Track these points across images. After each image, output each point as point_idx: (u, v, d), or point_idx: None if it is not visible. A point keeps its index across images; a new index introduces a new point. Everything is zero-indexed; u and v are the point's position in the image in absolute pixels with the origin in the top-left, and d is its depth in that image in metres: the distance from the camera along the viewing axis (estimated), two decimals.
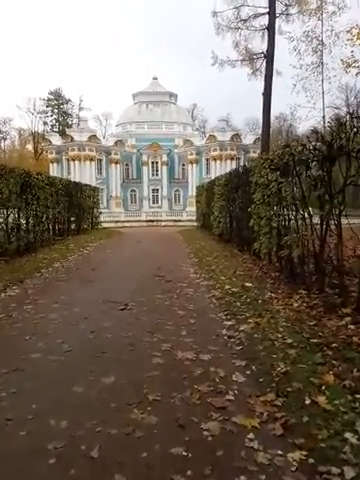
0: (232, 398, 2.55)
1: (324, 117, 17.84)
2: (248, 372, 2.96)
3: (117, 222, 31.60)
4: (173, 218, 34.82)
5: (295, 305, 4.95)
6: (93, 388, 2.61)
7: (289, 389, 2.63)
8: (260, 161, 7.34)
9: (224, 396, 2.57)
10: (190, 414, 2.32)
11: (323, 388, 2.63)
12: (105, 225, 24.52)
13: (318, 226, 5.27)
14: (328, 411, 2.32)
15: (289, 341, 3.56)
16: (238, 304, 4.96)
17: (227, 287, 5.88)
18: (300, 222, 5.75)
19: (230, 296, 5.37)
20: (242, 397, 2.57)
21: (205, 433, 2.13)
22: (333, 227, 4.86)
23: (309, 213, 5.54)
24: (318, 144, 5.10)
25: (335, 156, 4.81)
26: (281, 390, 2.63)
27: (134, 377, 2.81)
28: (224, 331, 3.96)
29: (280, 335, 3.76)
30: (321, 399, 2.48)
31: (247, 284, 6.12)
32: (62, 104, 66.11)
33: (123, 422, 2.20)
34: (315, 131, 5.11)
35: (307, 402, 2.46)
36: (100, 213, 22.42)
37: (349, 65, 14.73)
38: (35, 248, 10.77)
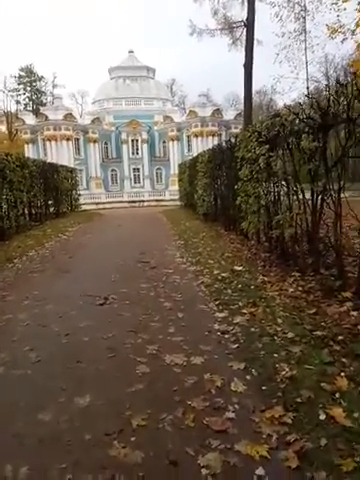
0: (233, 416, 2.13)
1: (308, 88, 17.20)
2: (248, 378, 2.55)
3: (98, 204, 30.67)
4: (156, 198, 34.08)
5: (290, 290, 4.58)
6: (64, 414, 2.13)
7: (298, 399, 2.23)
8: (246, 134, 6.79)
9: (223, 414, 2.15)
10: (184, 443, 1.88)
11: (337, 396, 2.24)
12: (86, 207, 23.67)
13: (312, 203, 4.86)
14: (349, 429, 1.93)
15: (290, 335, 3.17)
16: (229, 291, 4.54)
17: (216, 272, 5.45)
18: (292, 199, 5.32)
19: (220, 282, 4.95)
20: (244, 413, 2.15)
21: (203, 471, 1.70)
22: (330, 203, 4.45)
23: (302, 189, 5.11)
24: (312, 112, 4.61)
25: (332, 124, 4.35)
26: (289, 401, 2.23)
27: (114, 394, 2.35)
28: (216, 325, 3.54)
29: (279, 328, 3.36)
30: (338, 412, 2.09)
31: (237, 267, 5.71)
32: (34, 81, 62.69)
33: (100, 462, 1.75)
34: (310, 96, 4.59)
35: (322, 417, 2.07)
36: (79, 195, 21.52)
37: (335, 30, 14.04)
38: (9, 235, 10.08)
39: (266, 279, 5.05)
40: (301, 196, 5.11)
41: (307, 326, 3.34)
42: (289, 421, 2.06)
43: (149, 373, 2.62)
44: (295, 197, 5.21)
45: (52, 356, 2.90)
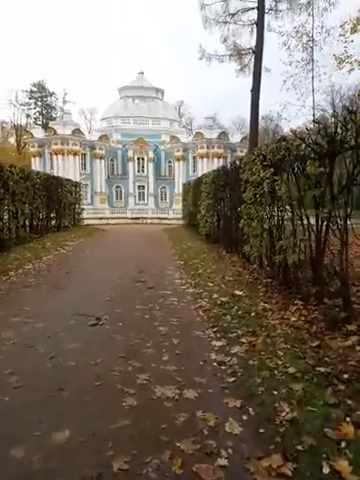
0: (225, 463, 1.91)
1: (314, 115, 17.38)
2: (245, 418, 2.33)
3: (101, 219, 30.66)
4: (159, 216, 34.10)
5: (292, 319, 4.37)
6: (38, 451, 1.92)
7: (299, 447, 2.02)
8: (251, 157, 6.73)
9: (215, 460, 1.93)
10: None
11: (343, 445, 2.03)
12: (89, 222, 23.63)
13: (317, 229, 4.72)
14: None
15: (292, 370, 2.95)
16: (228, 318, 4.34)
17: (215, 296, 5.26)
18: (296, 224, 5.18)
19: (219, 307, 4.75)
20: (239, 460, 1.94)
21: None
22: (336, 231, 4.30)
23: (306, 215, 4.99)
24: (318, 137, 4.53)
25: (339, 150, 4.25)
26: (289, 449, 2.01)
27: (97, 430, 2.13)
28: (213, 355, 3.33)
29: (280, 361, 3.15)
30: (343, 465, 1.87)
31: (237, 292, 5.52)
32: (45, 96, 64.16)
33: None
34: (317, 122, 4.52)
35: (325, 470, 1.85)
36: (82, 209, 21.49)
37: (342, 61, 14.29)
38: (8, 247, 9.93)
39: (267, 306, 4.86)
40: (306, 222, 4.98)
41: (310, 361, 3.13)
42: (288, 473, 1.84)
43: (136, 407, 2.41)
44: (299, 222, 5.07)
45: (34, 381, 2.69)
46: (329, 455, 1.94)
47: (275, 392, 2.64)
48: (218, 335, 3.80)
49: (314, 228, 4.82)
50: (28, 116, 63.51)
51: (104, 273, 7.14)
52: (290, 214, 5.40)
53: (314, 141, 4.57)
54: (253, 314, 4.51)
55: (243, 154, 31.75)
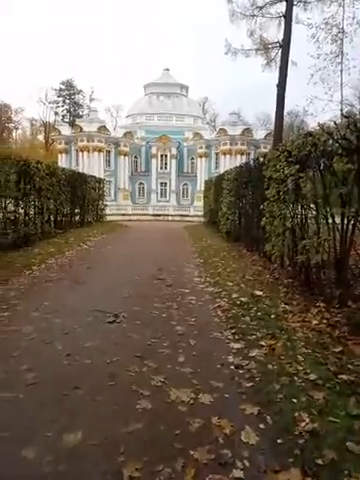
0: (241, 475, 1.83)
1: (342, 110, 16.73)
2: (262, 426, 2.24)
3: (124, 215, 30.94)
4: (180, 213, 34.05)
5: (314, 322, 4.22)
6: (49, 452, 1.90)
7: (319, 461, 1.90)
8: (275, 153, 6.53)
9: (230, 471, 1.85)
10: None
11: None
12: (111, 218, 23.89)
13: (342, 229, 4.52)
14: None
15: (312, 377, 2.82)
16: (247, 319, 4.22)
17: (235, 296, 5.15)
18: (321, 223, 4.99)
19: (238, 308, 4.64)
20: (254, 473, 1.85)
21: None
22: None
23: (332, 214, 4.78)
24: (348, 132, 4.32)
25: None
26: (308, 462, 1.90)
27: (109, 433, 2.10)
28: (231, 358, 3.24)
29: (300, 367, 3.02)
30: None
31: (257, 292, 5.38)
32: (73, 94, 65.35)
33: None
34: (346, 116, 4.30)
35: None
36: (105, 206, 21.70)
37: None
38: (33, 241, 10.14)
39: (288, 308, 4.71)
40: (331, 221, 4.79)
41: (332, 367, 2.98)
42: None
43: (150, 410, 2.35)
44: (324, 221, 4.87)
45: (49, 379, 2.69)
46: (351, 471, 1.83)
47: (295, 400, 2.52)
48: (236, 337, 3.70)
49: (339, 227, 4.62)
50: (56, 114, 64.95)
51: (124, 269, 7.15)
52: (314, 212, 5.21)
53: (342, 136, 4.37)
54: (273, 316, 4.38)
55: (267, 150, 31.13)
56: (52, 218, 12.89)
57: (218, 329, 3.92)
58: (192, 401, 2.52)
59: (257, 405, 2.49)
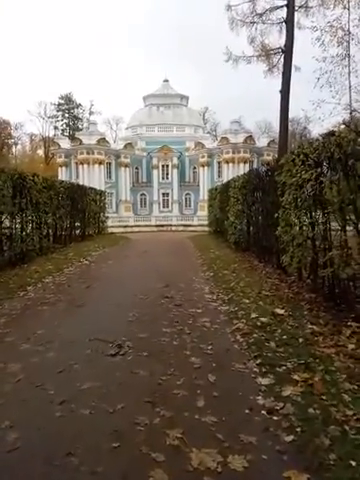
0: None
1: (351, 113, 16.24)
2: None
3: (126, 227, 30.50)
4: (184, 223, 33.61)
5: (350, 347, 3.64)
6: None
7: None
8: (290, 157, 6.02)
9: None
10: None
11: None
12: (114, 230, 23.42)
13: None
14: None
15: None
16: (272, 345, 3.64)
17: (253, 315, 4.57)
18: (351, 233, 4.44)
19: (259, 330, 4.05)
20: None
21: None
22: None
23: None
24: None
25: None
26: None
27: None
28: (260, 399, 2.64)
29: (349, 411, 2.44)
30: None
31: (278, 311, 4.80)
32: (73, 108, 65.78)
33: None
34: (347, 124, 3.81)
35: None
36: (107, 218, 21.24)
37: None
38: (30, 258, 9.62)
39: (316, 329, 4.12)
40: None
41: None
42: None
43: None
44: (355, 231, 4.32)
45: (36, 441, 2.10)
46: None
47: (353, 462, 1.94)
48: (263, 369, 3.11)
49: None
50: (56, 128, 65.28)
51: (127, 287, 6.57)
52: (339, 220, 4.67)
53: None
54: (301, 340, 3.79)
55: (270, 158, 30.60)
56: (51, 233, 12.40)
57: (240, 359, 3.33)
58: (220, 468, 1.94)
59: (305, 471, 1.90)
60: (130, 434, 2.19)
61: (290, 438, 2.20)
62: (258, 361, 3.27)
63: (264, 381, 2.92)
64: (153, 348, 3.54)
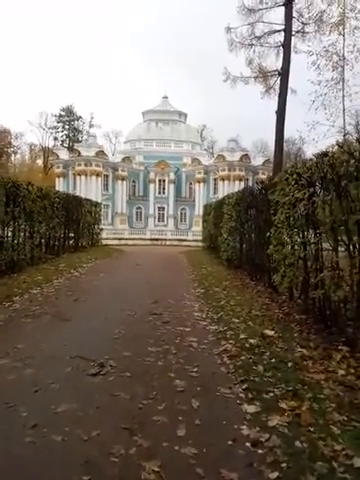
0: None
1: (345, 135, 16.49)
2: None
3: (120, 239, 30.39)
4: (178, 237, 33.58)
5: (340, 372, 3.53)
6: None
7: None
8: (283, 176, 6.01)
9: None
10: None
11: None
12: (108, 242, 23.29)
13: None
14: None
15: (358, 464, 2.11)
16: (260, 369, 3.51)
17: (242, 336, 4.44)
18: (343, 254, 4.38)
19: (247, 352, 3.92)
20: None
21: None
22: None
23: (355, 243, 4.19)
24: None
25: None
26: None
27: None
28: (245, 429, 2.51)
29: (337, 445, 2.31)
30: None
31: (268, 332, 4.68)
32: (73, 120, 66.32)
33: None
34: (340, 145, 3.80)
35: None
36: (101, 230, 21.12)
37: None
38: (20, 267, 9.45)
39: (306, 353, 4.00)
40: (352, 250, 4.19)
41: None
42: None
43: None
44: (346, 252, 4.26)
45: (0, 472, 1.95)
46: None
47: None
48: (250, 395, 2.98)
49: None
50: (56, 139, 65.60)
51: (115, 302, 6.41)
52: (331, 241, 4.61)
53: None
54: (290, 364, 3.67)
55: (265, 177, 30.95)
56: (43, 242, 12.25)
57: (226, 383, 3.20)
58: None
59: None
60: (103, 466, 2.03)
61: (274, 475, 2.06)
62: (244, 386, 3.14)
63: (250, 409, 2.78)
64: (136, 368, 3.40)
